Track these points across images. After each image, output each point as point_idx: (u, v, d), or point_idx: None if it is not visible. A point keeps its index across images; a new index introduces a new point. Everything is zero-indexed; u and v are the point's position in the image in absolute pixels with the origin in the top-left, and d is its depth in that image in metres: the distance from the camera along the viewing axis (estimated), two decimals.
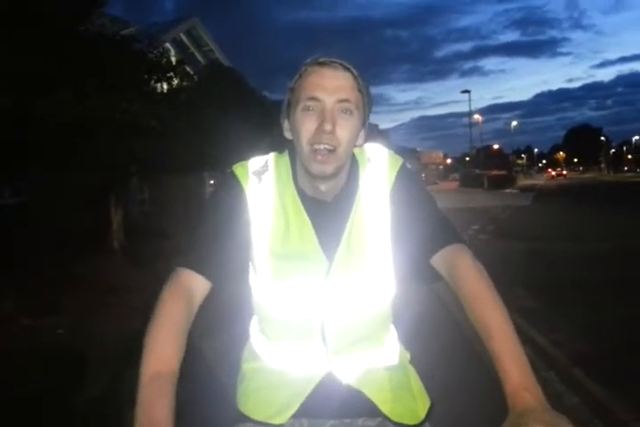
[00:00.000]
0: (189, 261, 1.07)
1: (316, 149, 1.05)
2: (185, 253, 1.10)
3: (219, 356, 3.47)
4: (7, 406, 3.00)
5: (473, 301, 1.00)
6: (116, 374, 3.39)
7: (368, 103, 1.12)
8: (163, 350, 0.93)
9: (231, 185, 1.16)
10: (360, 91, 1.08)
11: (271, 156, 1.21)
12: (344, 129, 1.06)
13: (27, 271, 5.90)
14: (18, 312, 4.84)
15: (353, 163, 1.17)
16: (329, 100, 1.05)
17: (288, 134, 1.15)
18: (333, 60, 1.06)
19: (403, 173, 1.18)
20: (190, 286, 1.04)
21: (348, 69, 1.06)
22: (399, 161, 1.20)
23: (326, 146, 1.05)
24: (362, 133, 1.14)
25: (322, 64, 1.06)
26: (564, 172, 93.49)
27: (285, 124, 1.15)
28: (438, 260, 1.10)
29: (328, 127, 1.04)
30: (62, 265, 6.38)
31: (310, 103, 1.06)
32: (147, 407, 0.84)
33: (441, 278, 1.12)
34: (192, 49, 17.60)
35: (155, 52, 7.76)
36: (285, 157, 1.20)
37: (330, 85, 1.05)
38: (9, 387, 3.26)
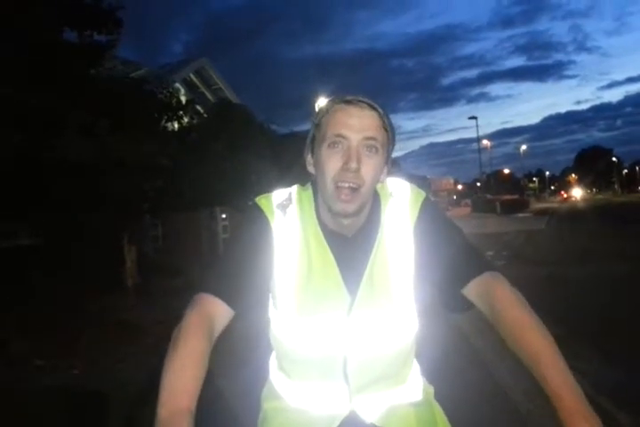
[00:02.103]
0: (213, 288, 1.05)
1: (340, 187, 1.05)
2: (209, 280, 1.08)
3: (238, 395, 3.40)
4: None
5: (516, 329, 0.98)
6: (131, 413, 3.33)
7: (392, 140, 1.12)
8: (181, 385, 0.89)
9: (257, 217, 1.15)
10: (385, 129, 1.09)
11: (294, 189, 1.21)
12: (369, 167, 1.06)
13: (41, 312, 5.91)
14: (32, 353, 4.82)
15: (375, 197, 1.17)
16: (355, 137, 1.05)
17: (311, 168, 1.15)
18: (360, 98, 1.06)
19: (426, 207, 1.18)
20: (212, 313, 1.02)
21: (374, 108, 1.06)
22: (422, 195, 1.20)
23: (351, 184, 1.05)
24: (384, 170, 1.14)
25: (348, 102, 1.07)
26: (579, 194, 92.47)
27: (309, 159, 1.16)
28: (471, 289, 1.09)
29: (353, 165, 1.04)
30: (77, 305, 6.39)
31: (336, 140, 1.06)
32: None
33: (471, 307, 1.11)
34: (202, 88, 18.07)
35: (164, 92, 7.98)
36: (308, 191, 1.19)
37: (356, 124, 1.05)
38: None
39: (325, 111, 1.10)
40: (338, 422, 1.12)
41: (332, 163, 1.06)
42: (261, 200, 1.18)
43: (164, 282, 8.24)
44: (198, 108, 9.87)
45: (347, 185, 1.05)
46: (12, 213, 6.88)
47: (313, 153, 1.13)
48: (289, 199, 1.17)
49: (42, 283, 7.08)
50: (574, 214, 33.68)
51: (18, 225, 8.77)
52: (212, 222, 13.93)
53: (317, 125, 1.11)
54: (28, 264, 7.88)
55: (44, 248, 8.70)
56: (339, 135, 1.06)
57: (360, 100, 1.06)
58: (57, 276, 7.44)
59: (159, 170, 6.62)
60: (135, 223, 8.41)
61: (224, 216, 14.31)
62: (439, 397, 1.26)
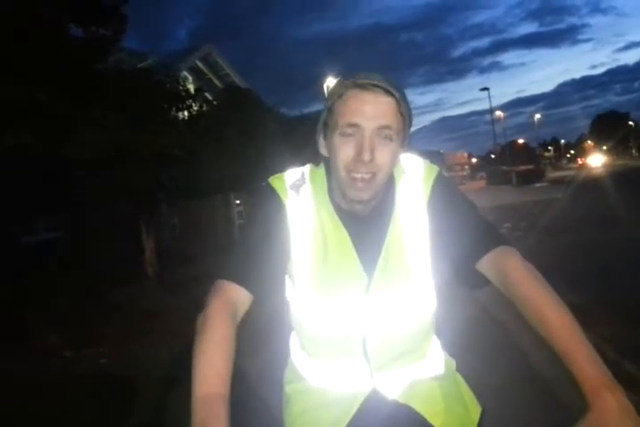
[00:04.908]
0: (233, 274, 1.05)
1: (354, 178, 1.03)
2: (228, 266, 1.08)
3: (261, 375, 3.46)
4: None
5: (530, 302, 0.97)
6: (158, 400, 3.42)
7: (409, 124, 1.09)
8: (213, 369, 0.90)
9: (270, 198, 1.14)
10: (402, 114, 1.05)
11: (307, 168, 1.19)
12: (384, 154, 1.04)
13: (66, 303, 6.05)
14: (61, 345, 4.95)
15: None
16: (369, 126, 1.02)
17: (323, 151, 1.13)
18: (375, 82, 1.01)
19: (439, 183, 1.16)
20: (234, 299, 1.03)
21: (390, 93, 1.02)
22: (435, 170, 1.17)
23: (364, 175, 1.03)
24: (400, 152, 1.11)
25: (362, 87, 1.02)
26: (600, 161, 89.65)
27: (321, 141, 1.13)
28: (485, 264, 1.07)
29: (367, 157, 1.01)
30: (100, 295, 6.53)
31: (349, 129, 1.03)
32: None
33: (488, 283, 1.10)
34: (209, 75, 17.94)
35: (172, 80, 7.94)
36: (321, 170, 1.18)
37: (370, 112, 1.01)
38: (55, 418, 3.32)
39: (338, 96, 1.05)
40: (360, 400, 1.13)
41: (344, 151, 1.03)
42: (274, 180, 1.16)
43: (183, 270, 8.37)
44: (207, 95, 9.82)
45: (359, 176, 1.03)
46: (34, 210, 6.99)
47: (325, 137, 1.11)
48: (302, 179, 1.16)
49: (64, 275, 7.23)
50: (590, 181, 33.08)
51: (36, 220, 8.93)
52: (226, 209, 14.02)
53: (329, 110, 1.07)
54: (50, 258, 8.04)
55: (63, 242, 8.87)
56: (351, 124, 1.02)
57: (375, 85, 1.01)
58: (78, 268, 7.59)
59: (173, 160, 6.65)
60: (152, 213, 8.49)
61: (238, 202, 14.39)
62: (462, 369, 1.26)
